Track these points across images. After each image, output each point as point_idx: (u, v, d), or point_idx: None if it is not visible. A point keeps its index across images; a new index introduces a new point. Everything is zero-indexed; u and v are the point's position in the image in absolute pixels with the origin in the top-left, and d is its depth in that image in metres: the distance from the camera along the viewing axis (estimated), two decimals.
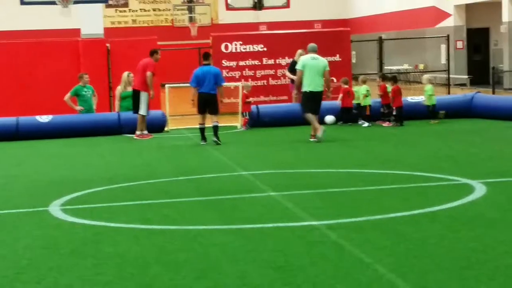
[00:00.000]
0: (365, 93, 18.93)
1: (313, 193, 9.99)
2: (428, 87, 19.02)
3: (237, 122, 19.13)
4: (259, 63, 21.98)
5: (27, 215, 9.29)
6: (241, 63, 22.84)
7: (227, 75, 22.34)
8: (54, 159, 14.80)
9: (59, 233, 8.18)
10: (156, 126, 18.86)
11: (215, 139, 15.82)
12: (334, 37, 23.60)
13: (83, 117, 18.89)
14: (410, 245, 7.10)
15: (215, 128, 15.95)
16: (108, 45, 21.99)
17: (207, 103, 16.01)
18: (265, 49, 22.93)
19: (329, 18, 44.31)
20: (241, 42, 22.77)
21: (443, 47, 31.18)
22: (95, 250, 7.35)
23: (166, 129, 19.10)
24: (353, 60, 25.24)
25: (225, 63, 22.73)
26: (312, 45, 16.48)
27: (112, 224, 8.47)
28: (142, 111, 17.55)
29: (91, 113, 19.00)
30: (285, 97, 21.87)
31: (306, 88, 15.81)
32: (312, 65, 15.81)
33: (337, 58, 22.94)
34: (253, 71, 22.66)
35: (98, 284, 6.22)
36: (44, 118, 18.67)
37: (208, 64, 16.23)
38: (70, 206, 9.64)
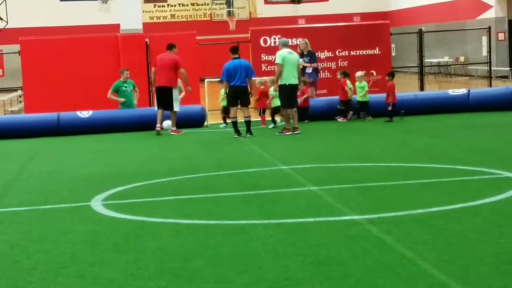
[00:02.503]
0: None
1: (353, 187, 9.96)
2: (363, 83, 18.84)
3: (276, 116, 19.10)
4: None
5: (69, 210, 9.37)
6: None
7: (266, 69, 22.32)
8: (94, 154, 14.91)
9: (100, 228, 8.24)
10: (196, 120, 18.94)
11: (249, 135, 16.05)
12: (373, 30, 23.46)
13: (123, 112, 19.01)
14: (451, 239, 7.04)
15: (248, 123, 16.23)
16: (147, 40, 22.08)
17: (239, 96, 16.36)
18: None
19: (368, 11, 44.09)
20: (279, 36, 22.69)
21: (484, 39, 30.85)
22: (137, 245, 7.40)
23: (205, 123, 19.16)
24: (393, 53, 25.07)
25: (264, 57, 22.70)
26: (285, 40, 17.34)
27: (153, 219, 8.52)
28: (177, 107, 17.65)
29: (131, 108, 19.10)
30: (325, 91, 21.78)
31: (285, 81, 16.27)
32: (290, 59, 16.39)
33: (376, 51, 22.82)
34: None
35: (140, 278, 6.25)
36: (85, 114, 18.82)
37: (238, 58, 16.42)
38: (111, 201, 9.71)
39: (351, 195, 9.43)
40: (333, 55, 22.61)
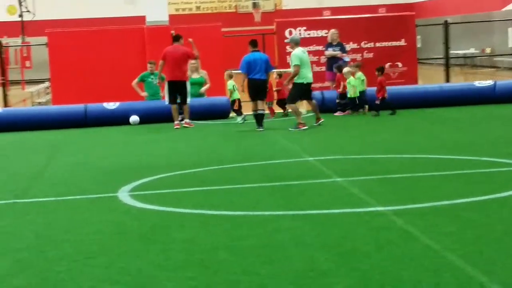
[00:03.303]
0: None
1: (378, 179, 9.96)
2: (351, 78, 18.74)
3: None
4: (323, 49, 21.85)
5: (97, 201, 9.46)
6: (305, 49, 22.78)
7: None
8: (121, 146, 15.02)
9: (128, 218, 8.31)
10: (221, 112, 19.00)
11: (261, 129, 16.17)
12: (398, 21, 23.35)
13: (149, 103, 19.11)
14: (477, 231, 7.04)
15: (262, 117, 16.42)
16: (172, 32, 22.14)
17: (259, 89, 16.39)
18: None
19: (394, 2, 43.91)
20: (305, 28, 22.69)
21: (510, 30, 30.66)
22: (164, 236, 7.46)
23: (230, 115, 19.20)
24: (418, 45, 24.95)
25: (289, 48, 22.68)
26: (297, 38, 17.27)
27: (180, 210, 8.58)
28: (189, 99, 17.67)
29: (157, 100, 19.19)
30: None
31: (303, 80, 16.36)
32: (306, 58, 16.65)
33: (402, 42, 22.71)
34: (317, 57, 22.57)
35: (167, 269, 6.31)
36: (111, 105, 18.94)
37: (258, 51, 16.45)
38: (138, 192, 9.78)
39: (376, 187, 9.44)
40: (358, 46, 22.55)
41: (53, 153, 14.27)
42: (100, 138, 16.50)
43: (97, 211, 8.82)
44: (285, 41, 16.76)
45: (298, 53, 16.44)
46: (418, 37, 26.69)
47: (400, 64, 22.39)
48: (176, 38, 17.86)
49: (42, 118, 18.96)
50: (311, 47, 22.47)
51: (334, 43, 19.98)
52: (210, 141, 15.02)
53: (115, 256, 6.78)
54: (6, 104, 22.93)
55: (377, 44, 22.59)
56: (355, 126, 16.53)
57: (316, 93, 19.22)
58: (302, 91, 16.47)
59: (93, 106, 18.96)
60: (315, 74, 19.65)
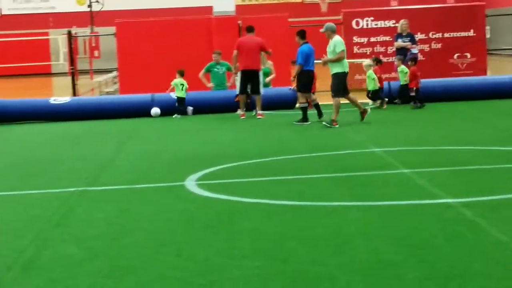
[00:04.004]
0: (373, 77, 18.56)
1: (447, 171, 9.86)
2: (370, 72, 18.40)
3: (365, 99, 19.02)
4: (391, 39, 21.68)
5: (165, 190, 9.56)
6: (372, 39, 22.62)
7: (357, 51, 22.20)
8: (187, 135, 15.14)
9: (195, 207, 8.39)
10: (287, 102, 18.99)
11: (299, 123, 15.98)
12: (468, 11, 23.04)
13: (215, 93, 19.20)
14: None
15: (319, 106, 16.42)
16: (239, 22, 22.21)
17: (313, 80, 16.48)
18: (396, 25, 22.60)
19: None
20: (372, 18, 22.55)
21: None
22: (230, 225, 7.51)
23: (296, 105, 19.17)
24: (488, 35, 24.59)
25: (356, 39, 22.57)
26: (334, 25, 16.06)
27: (246, 199, 8.62)
28: (262, 90, 17.70)
29: (223, 90, 19.28)
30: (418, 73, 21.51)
31: (346, 68, 15.57)
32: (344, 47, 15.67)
33: (471, 33, 22.41)
34: (384, 47, 22.42)
35: (235, 258, 6.35)
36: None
37: (307, 42, 16.33)
38: (205, 181, 9.85)
39: (445, 178, 9.34)
40: (426, 37, 22.32)
41: (122, 142, 14.45)
42: (167, 128, 16.65)
43: (166, 200, 8.91)
44: (320, 31, 15.77)
45: (341, 39, 15.71)
46: (488, 27, 26.29)
47: (468, 55, 22.11)
48: (250, 29, 17.94)
49: (110, 107, 19.20)
50: (378, 37, 22.34)
51: (404, 34, 19.81)
52: (275, 132, 15.04)
53: (183, 244, 6.85)
54: (75, 93, 23.30)
55: (446, 35, 22.34)
56: (422, 117, 16.35)
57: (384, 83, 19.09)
58: (344, 82, 15.69)
59: (160, 95, 19.12)
60: (382, 65, 19.55)
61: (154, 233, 7.32)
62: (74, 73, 24.15)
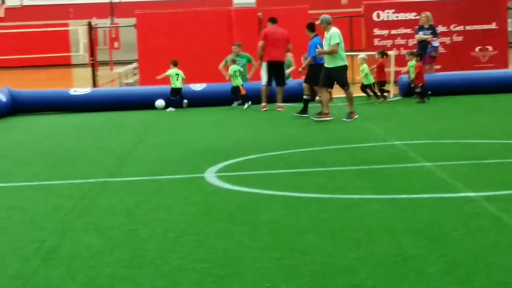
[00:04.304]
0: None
1: (469, 164, 9.80)
2: (364, 66, 18.27)
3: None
4: (412, 32, 21.58)
5: (184, 181, 9.55)
6: (393, 31, 22.55)
7: (378, 43, 22.12)
8: (207, 127, 15.13)
9: (215, 199, 8.37)
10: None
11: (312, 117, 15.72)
12: (489, 4, 22.90)
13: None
14: None
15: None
16: (260, 14, 22.17)
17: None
18: (418, 17, 22.52)
19: None
20: (393, 10, 22.46)
21: None
22: (250, 217, 7.48)
23: (317, 98, 19.12)
24: (509, 28, 24.45)
25: (377, 31, 22.49)
26: (329, 17, 15.65)
27: (266, 192, 8.59)
28: (287, 81, 17.67)
29: (243, 82, 19.26)
30: (439, 66, 21.42)
31: (345, 61, 15.30)
32: (341, 40, 15.29)
33: (493, 26, 22.29)
34: (405, 40, 22.33)
35: (254, 250, 6.33)
36: (198, 87, 19.09)
37: (317, 35, 16.19)
38: (224, 173, 9.84)
39: (466, 172, 9.28)
40: (447, 29, 22.21)
41: (141, 133, 14.48)
42: (187, 119, 16.66)
43: (185, 191, 8.90)
44: (316, 22, 15.57)
45: (338, 32, 15.23)
46: (510, 20, 26.12)
47: (490, 48, 22.00)
48: (273, 20, 17.90)
49: (130, 98, 19.25)
50: (399, 30, 22.25)
51: (426, 26, 19.68)
52: (295, 124, 15.00)
53: (202, 236, 6.83)
54: (94, 84, 23.37)
55: (467, 28, 22.24)
56: (443, 110, 16.27)
57: (404, 77, 19.03)
58: (346, 74, 15.38)
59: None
60: (403, 57, 19.48)
61: (173, 224, 7.31)
62: (94, 64, 24.23)
